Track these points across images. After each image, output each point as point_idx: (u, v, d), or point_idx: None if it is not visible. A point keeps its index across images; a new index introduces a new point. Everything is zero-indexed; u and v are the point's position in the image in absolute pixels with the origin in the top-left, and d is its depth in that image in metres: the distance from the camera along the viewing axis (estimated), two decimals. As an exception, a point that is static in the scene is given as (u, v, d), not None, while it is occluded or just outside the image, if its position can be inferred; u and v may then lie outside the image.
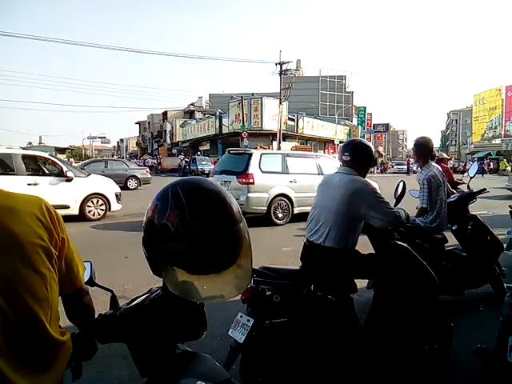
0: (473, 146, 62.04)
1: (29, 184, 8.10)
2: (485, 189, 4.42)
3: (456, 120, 78.31)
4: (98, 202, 9.38)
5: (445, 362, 2.75)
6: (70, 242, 1.14)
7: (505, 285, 3.62)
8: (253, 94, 36.14)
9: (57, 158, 10.12)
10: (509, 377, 2.39)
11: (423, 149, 3.85)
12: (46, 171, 9.02)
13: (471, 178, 4.47)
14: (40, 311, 0.99)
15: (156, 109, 79.77)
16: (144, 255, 1.04)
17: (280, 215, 8.93)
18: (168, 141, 57.20)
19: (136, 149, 79.09)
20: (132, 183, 19.41)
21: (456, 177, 6.52)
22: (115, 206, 9.62)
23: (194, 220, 0.93)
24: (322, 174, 7.57)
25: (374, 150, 2.72)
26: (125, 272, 4.95)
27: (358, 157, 2.61)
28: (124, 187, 17.22)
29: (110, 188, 9.72)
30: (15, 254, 0.97)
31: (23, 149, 12.34)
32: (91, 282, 1.35)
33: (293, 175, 9.15)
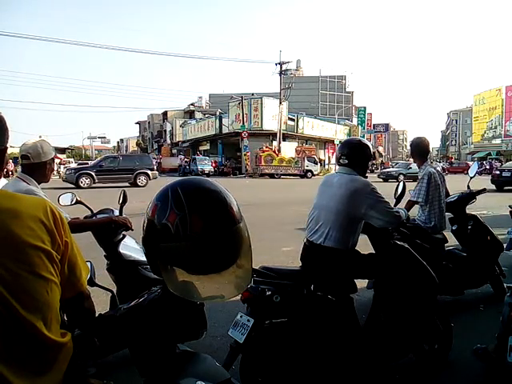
0: (473, 146, 62.05)
1: None
2: (485, 189, 4.42)
3: (456, 120, 78.32)
4: None
5: (445, 361, 2.76)
6: (74, 246, 1.14)
7: (505, 285, 3.61)
8: (253, 94, 36.15)
9: None
10: (509, 377, 2.39)
11: (419, 149, 3.88)
12: None
13: (471, 178, 4.47)
14: (33, 316, 0.98)
15: (156, 109, 79.87)
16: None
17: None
18: (168, 141, 57.19)
19: (136, 149, 79.06)
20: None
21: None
22: None
23: (193, 220, 0.93)
24: None
25: (371, 148, 2.73)
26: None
27: (356, 157, 2.61)
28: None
29: None
30: (16, 257, 0.97)
31: None
32: (91, 281, 1.35)
33: None
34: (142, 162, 20.87)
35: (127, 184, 19.10)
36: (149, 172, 20.31)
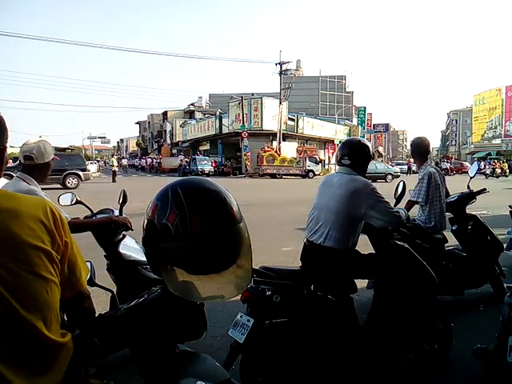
0: (473, 146, 62.04)
1: None
2: (485, 189, 4.41)
3: (456, 120, 78.30)
4: None
5: (445, 362, 2.76)
6: (74, 246, 1.14)
7: (505, 285, 3.62)
8: (253, 94, 36.14)
9: None
10: (509, 377, 2.39)
11: (419, 149, 3.89)
12: None
13: (471, 178, 4.47)
14: (33, 316, 0.98)
15: (156, 109, 79.96)
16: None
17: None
18: (168, 141, 57.18)
19: (136, 149, 79.11)
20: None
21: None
22: None
23: (193, 220, 0.93)
24: None
25: (371, 148, 2.73)
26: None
27: (357, 157, 2.61)
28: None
29: None
30: (16, 257, 0.97)
31: None
32: (91, 281, 1.35)
33: None
34: (71, 162, 19.57)
35: (57, 186, 17.86)
36: (80, 173, 19.38)
